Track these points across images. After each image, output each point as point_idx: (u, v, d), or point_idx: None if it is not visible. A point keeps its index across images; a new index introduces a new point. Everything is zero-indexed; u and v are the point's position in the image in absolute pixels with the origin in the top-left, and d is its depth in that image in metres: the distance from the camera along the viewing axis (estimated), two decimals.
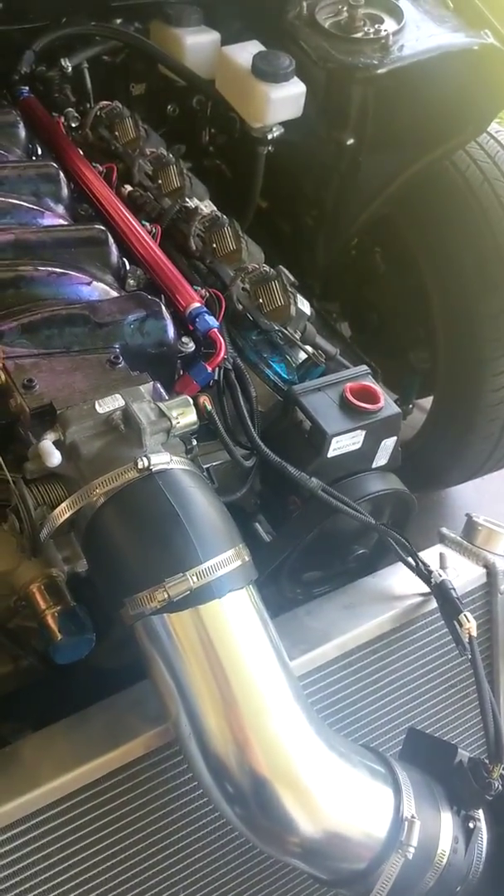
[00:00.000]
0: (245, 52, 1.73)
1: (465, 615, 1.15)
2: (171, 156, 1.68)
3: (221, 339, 1.28)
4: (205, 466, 1.22)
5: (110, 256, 1.34)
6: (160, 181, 1.64)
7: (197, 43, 1.86)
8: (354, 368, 1.33)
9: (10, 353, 1.13)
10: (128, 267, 1.37)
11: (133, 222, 1.46)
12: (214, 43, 1.86)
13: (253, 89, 1.71)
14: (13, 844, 1.01)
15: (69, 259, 1.29)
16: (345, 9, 1.77)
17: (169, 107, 1.98)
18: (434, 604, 1.23)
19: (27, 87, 1.77)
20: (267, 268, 1.45)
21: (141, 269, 1.38)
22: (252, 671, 0.97)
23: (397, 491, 1.32)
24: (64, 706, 1.12)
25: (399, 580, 1.28)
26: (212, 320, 1.30)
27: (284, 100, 1.72)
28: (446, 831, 1.03)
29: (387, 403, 1.27)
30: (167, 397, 1.10)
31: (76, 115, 1.77)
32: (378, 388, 1.29)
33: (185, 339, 1.28)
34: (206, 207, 1.60)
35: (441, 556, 1.28)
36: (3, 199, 1.35)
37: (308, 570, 1.36)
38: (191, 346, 1.28)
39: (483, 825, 1.06)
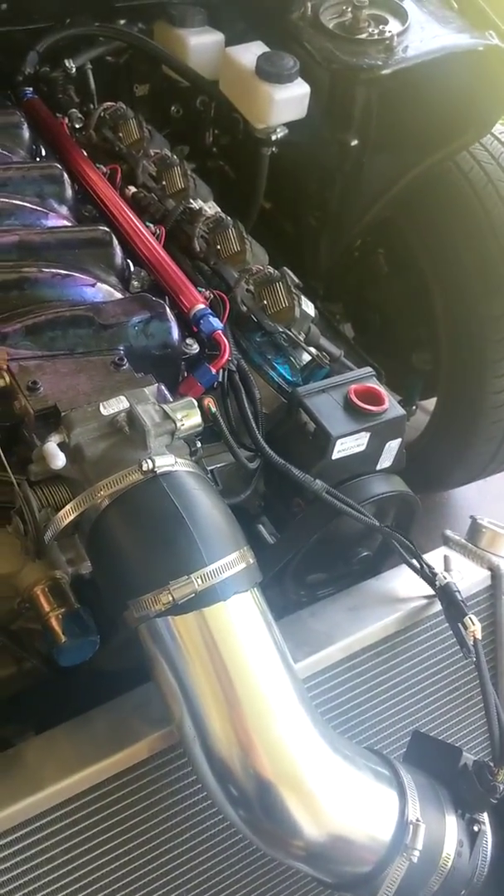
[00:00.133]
0: (249, 53, 1.72)
1: (469, 618, 1.15)
2: (174, 157, 1.68)
3: (226, 340, 1.28)
4: (209, 468, 1.22)
5: (114, 258, 1.34)
6: (164, 182, 1.64)
7: (201, 44, 1.86)
8: (359, 370, 1.33)
9: (15, 354, 1.13)
10: (132, 268, 1.37)
11: (137, 224, 1.46)
12: (218, 44, 1.86)
13: (257, 90, 1.70)
14: (16, 847, 1.01)
15: (73, 260, 1.29)
16: (349, 10, 1.77)
17: (173, 108, 1.98)
18: (438, 606, 1.23)
19: (31, 88, 1.77)
20: (271, 269, 1.45)
21: (145, 271, 1.38)
22: (256, 674, 0.97)
23: (401, 493, 1.32)
24: (67, 709, 1.12)
25: (403, 582, 1.28)
26: (216, 322, 1.30)
27: (288, 101, 1.71)
28: (451, 835, 1.02)
29: (391, 405, 1.26)
30: (171, 399, 1.10)
31: (80, 115, 1.77)
32: (382, 389, 1.28)
33: (189, 341, 1.27)
34: (210, 209, 1.60)
35: (445, 558, 1.28)
36: (7, 200, 1.35)
37: (312, 572, 1.35)
38: (195, 348, 1.27)
39: (488, 828, 1.06)
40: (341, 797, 0.98)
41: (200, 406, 1.10)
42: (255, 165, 1.84)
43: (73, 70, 1.85)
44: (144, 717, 1.08)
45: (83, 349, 1.18)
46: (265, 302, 1.42)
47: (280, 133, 1.77)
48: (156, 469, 0.99)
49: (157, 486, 0.99)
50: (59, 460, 1.01)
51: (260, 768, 0.95)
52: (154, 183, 1.65)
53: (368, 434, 1.24)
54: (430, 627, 1.27)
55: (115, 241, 1.35)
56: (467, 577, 1.29)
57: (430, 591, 1.22)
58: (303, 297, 1.43)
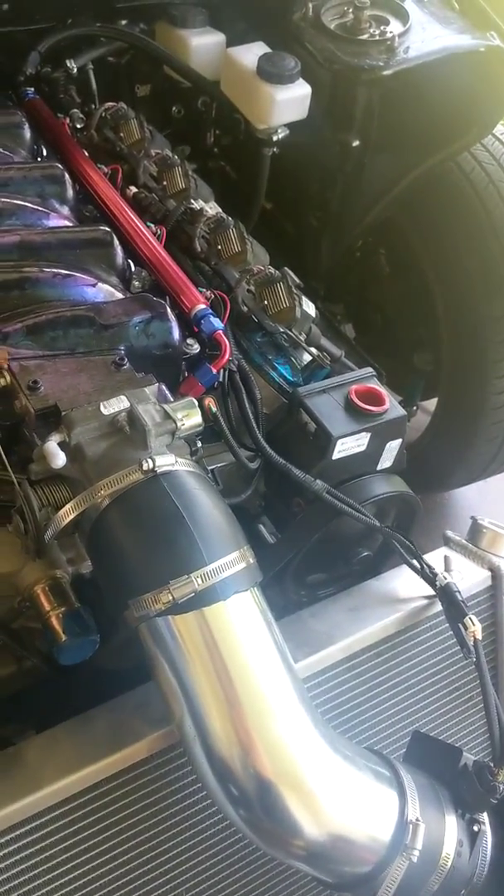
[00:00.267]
0: (250, 54, 1.72)
1: (469, 618, 1.15)
2: (175, 157, 1.68)
3: (226, 340, 1.28)
4: (209, 468, 1.22)
5: (115, 258, 1.34)
6: (165, 182, 1.64)
7: (202, 44, 1.86)
8: (359, 370, 1.33)
9: (16, 354, 1.13)
10: (133, 268, 1.37)
11: (138, 224, 1.46)
12: (220, 44, 1.86)
13: (258, 91, 1.70)
14: (16, 846, 1.01)
15: (74, 260, 1.29)
16: (350, 10, 1.77)
17: (174, 108, 1.98)
18: (439, 607, 1.23)
19: (32, 89, 1.77)
20: (272, 270, 1.45)
21: (146, 271, 1.38)
22: (256, 673, 0.97)
23: (402, 493, 1.32)
24: (67, 708, 1.12)
25: (404, 583, 1.29)
26: (217, 322, 1.30)
27: (290, 101, 1.71)
28: (451, 835, 1.02)
29: (392, 406, 1.27)
30: (172, 399, 1.10)
31: (81, 116, 1.76)
32: (383, 390, 1.28)
33: (189, 341, 1.27)
34: (211, 209, 1.60)
35: (446, 558, 1.28)
36: (8, 200, 1.35)
37: (312, 572, 1.35)
38: (196, 348, 1.27)
39: (488, 829, 1.06)
40: (341, 797, 0.98)
41: (201, 406, 1.11)
42: (256, 166, 1.84)
43: (75, 70, 1.84)
44: (145, 716, 1.08)
45: (84, 349, 1.18)
46: (266, 302, 1.42)
47: (281, 133, 1.77)
48: (156, 468, 0.99)
49: (157, 486, 0.99)
50: (59, 459, 1.01)
51: (260, 768, 0.95)
52: (155, 183, 1.65)
53: (369, 434, 1.24)
54: (430, 628, 1.27)
55: (116, 242, 1.35)
56: (468, 578, 1.29)
57: (431, 592, 1.22)
58: (304, 298, 1.43)
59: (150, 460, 0.99)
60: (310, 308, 1.43)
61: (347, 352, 1.51)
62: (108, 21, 1.88)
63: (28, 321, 1.16)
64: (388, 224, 2.06)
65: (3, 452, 1.05)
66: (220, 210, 1.60)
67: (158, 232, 1.48)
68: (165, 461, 1.00)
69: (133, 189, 1.61)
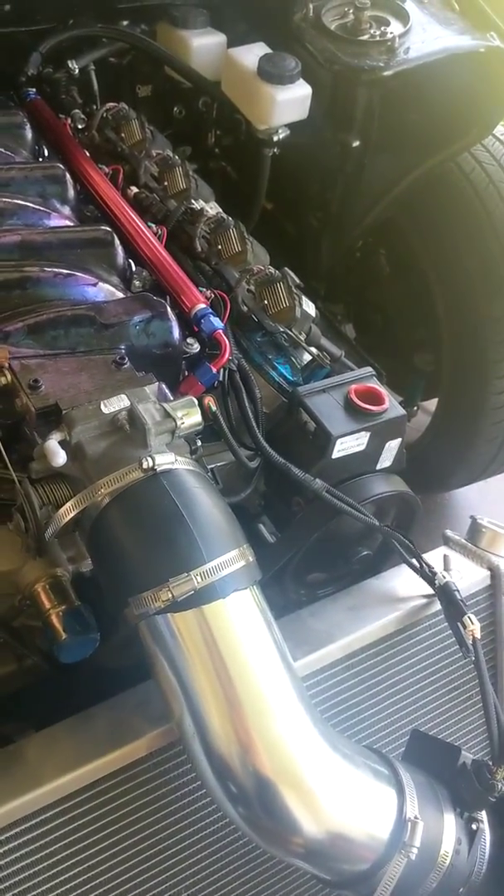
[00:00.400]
0: (251, 54, 1.73)
1: (468, 617, 1.15)
2: (176, 157, 1.68)
3: (226, 340, 1.28)
4: (209, 467, 1.23)
5: (116, 258, 1.34)
6: (166, 183, 1.64)
7: (203, 45, 1.86)
8: (359, 370, 1.33)
9: (16, 353, 1.14)
10: (133, 268, 1.37)
11: (139, 224, 1.46)
12: (220, 45, 1.86)
13: (259, 91, 1.71)
14: (15, 843, 1.02)
15: (75, 260, 1.29)
16: (351, 11, 1.77)
17: (175, 108, 1.99)
18: (438, 606, 1.23)
19: (34, 89, 1.78)
20: (272, 269, 1.46)
21: (146, 271, 1.38)
22: (256, 671, 0.98)
23: (401, 493, 1.32)
24: (67, 706, 1.13)
25: (403, 582, 1.29)
26: (217, 322, 1.30)
27: (290, 102, 1.72)
28: (449, 833, 1.03)
29: (391, 405, 1.27)
30: (172, 398, 1.10)
31: (83, 116, 1.77)
32: (383, 389, 1.29)
33: (190, 341, 1.28)
34: (212, 209, 1.60)
35: (445, 558, 1.28)
36: (9, 200, 1.35)
37: (312, 571, 1.36)
38: (196, 348, 1.28)
39: (486, 827, 1.06)
40: (340, 795, 0.99)
41: (201, 405, 1.11)
42: (256, 166, 1.84)
43: (76, 71, 1.85)
44: (144, 714, 1.08)
45: (85, 348, 1.18)
46: (266, 302, 1.42)
47: (282, 134, 1.77)
48: (156, 467, 0.99)
49: (157, 484, 0.99)
50: (60, 458, 1.01)
51: (259, 766, 0.95)
52: (156, 183, 1.65)
53: (368, 434, 1.24)
54: (429, 627, 1.27)
55: (117, 241, 1.35)
56: (467, 577, 1.29)
57: (430, 591, 1.23)
58: (304, 298, 1.44)
59: (149, 459, 0.99)
60: (310, 308, 1.44)
61: (347, 352, 1.51)
62: (110, 22, 1.88)
63: (29, 320, 1.17)
64: (389, 224, 2.06)
65: (3, 451, 1.06)
66: (220, 210, 1.60)
67: (159, 232, 1.48)
68: (165, 460, 1.01)
69: (134, 189, 1.61)
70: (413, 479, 1.36)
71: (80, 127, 1.75)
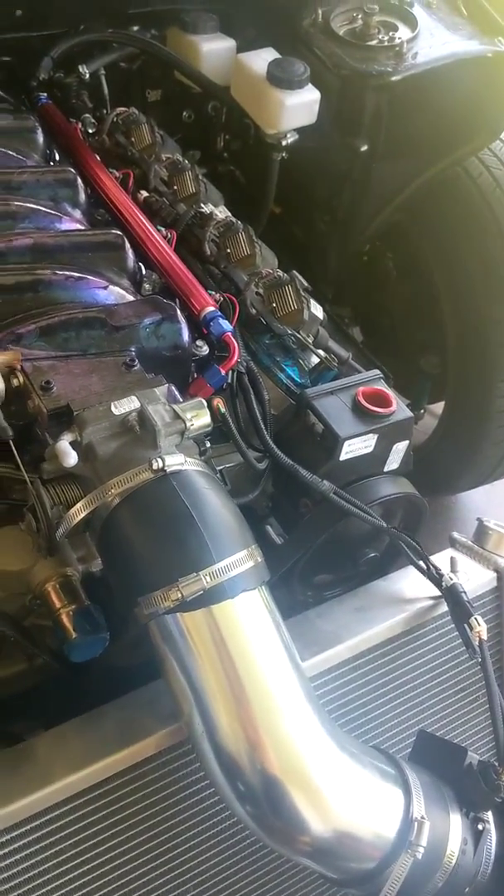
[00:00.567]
0: (260, 59, 1.74)
1: (475, 618, 1.16)
2: (186, 162, 1.69)
3: (235, 342, 1.29)
4: (218, 468, 1.23)
5: (126, 261, 1.35)
6: (175, 187, 1.66)
7: (213, 50, 1.87)
8: (367, 372, 1.34)
9: (29, 355, 1.14)
10: (143, 271, 1.38)
11: (149, 227, 1.47)
12: (230, 50, 1.87)
13: (268, 96, 1.72)
14: (25, 841, 1.02)
15: (86, 263, 1.30)
16: (359, 16, 1.78)
17: (184, 113, 2.00)
18: (444, 607, 1.23)
19: (45, 94, 1.79)
20: (280, 273, 1.47)
21: (156, 274, 1.39)
22: (264, 671, 0.98)
23: (409, 495, 1.33)
24: (77, 705, 1.13)
25: (410, 583, 1.29)
26: (226, 324, 1.31)
27: (299, 106, 1.73)
28: (455, 833, 1.03)
29: (399, 407, 1.27)
30: (181, 400, 1.11)
31: (93, 121, 1.78)
32: (390, 391, 1.29)
33: (199, 343, 1.29)
34: (221, 213, 1.61)
35: (452, 559, 1.29)
36: (21, 203, 1.36)
37: (319, 572, 1.36)
38: (205, 350, 1.29)
39: (492, 827, 1.07)
40: (347, 794, 0.99)
41: (210, 407, 1.11)
42: (265, 170, 1.85)
43: (87, 76, 1.86)
44: (153, 713, 1.09)
45: (96, 350, 1.19)
46: (274, 305, 1.43)
47: (290, 138, 1.78)
48: (166, 468, 1.00)
49: (166, 485, 1.00)
50: (71, 458, 1.02)
51: (267, 765, 0.96)
52: (166, 187, 1.66)
53: (376, 436, 1.25)
54: (436, 628, 1.28)
55: (128, 245, 1.36)
56: (473, 579, 1.30)
57: (437, 592, 1.23)
58: (312, 300, 1.45)
59: (159, 460, 1.00)
60: (318, 311, 1.44)
61: (355, 354, 1.52)
62: (120, 27, 1.89)
63: (41, 323, 1.18)
64: (396, 228, 2.07)
65: (16, 451, 1.07)
66: (229, 214, 1.61)
67: (169, 235, 1.49)
68: (175, 461, 1.02)
69: (144, 193, 1.62)
70: (420, 481, 1.36)
71: (90, 131, 1.77)
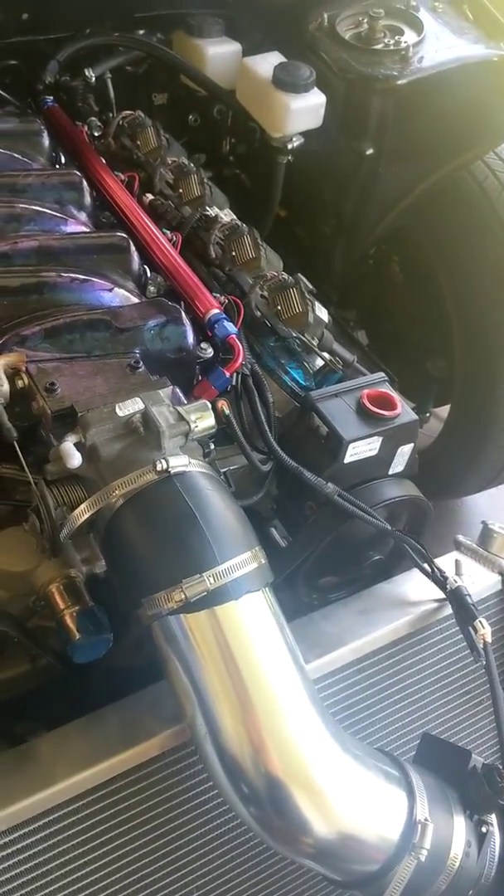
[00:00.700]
0: (266, 63, 1.74)
1: (479, 621, 1.16)
2: (191, 165, 1.70)
3: (240, 344, 1.29)
4: (222, 470, 1.24)
5: (131, 263, 1.36)
6: (181, 190, 1.66)
7: (218, 54, 1.88)
8: (371, 375, 1.34)
9: (33, 356, 1.15)
10: (148, 274, 1.39)
11: (154, 230, 1.48)
12: (236, 54, 1.88)
13: (273, 99, 1.72)
14: (28, 841, 1.03)
15: (91, 265, 1.31)
16: (365, 20, 1.78)
17: (190, 116, 2.00)
18: (449, 610, 1.23)
19: (51, 97, 1.80)
20: (285, 275, 1.47)
21: (161, 276, 1.39)
22: (268, 672, 0.98)
23: (413, 497, 1.32)
24: (80, 706, 1.14)
25: (414, 586, 1.29)
26: (230, 326, 1.31)
27: (304, 110, 1.73)
28: (459, 835, 1.03)
29: (404, 410, 1.27)
30: (186, 402, 1.11)
31: (99, 124, 1.79)
32: (395, 394, 1.29)
33: (203, 345, 1.29)
34: (226, 216, 1.61)
35: (457, 562, 1.29)
36: (27, 206, 1.37)
37: (324, 575, 1.36)
38: (209, 352, 1.29)
39: (496, 830, 1.07)
40: (351, 796, 0.99)
41: (214, 408, 1.12)
42: (270, 174, 1.85)
43: (93, 79, 1.87)
44: (156, 714, 1.09)
45: (100, 352, 1.20)
46: (279, 307, 1.44)
47: (296, 142, 1.78)
48: (170, 469, 1.00)
49: (170, 486, 1.00)
50: (75, 460, 1.03)
51: (271, 766, 0.96)
52: (171, 190, 1.66)
53: (380, 438, 1.25)
54: (440, 631, 1.28)
55: (133, 247, 1.37)
56: (478, 581, 1.30)
57: (441, 595, 1.23)
58: (316, 303, 1.45)
59: (163, 461, 1.00)
60: (322, 313, 1.44)
61: (360, 357, 1.52)
62: (126, 31, 1.90)
63: (46, 324, 1.18)
64: (402, 232, 2.07)
65: (20, 452, 1.07)
66: (234, 217, 1.61)
67: (174, 238, 1.50)
68: (179, 462, 1.02)
69: (149, 196, 1.63)
70: (425, 485, 1.36)
71: (96, 134, 1.77)
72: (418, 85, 1.71)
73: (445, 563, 1.28)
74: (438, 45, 1.76)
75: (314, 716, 1.00)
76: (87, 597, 1.10)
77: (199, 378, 1.30)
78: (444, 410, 2.24)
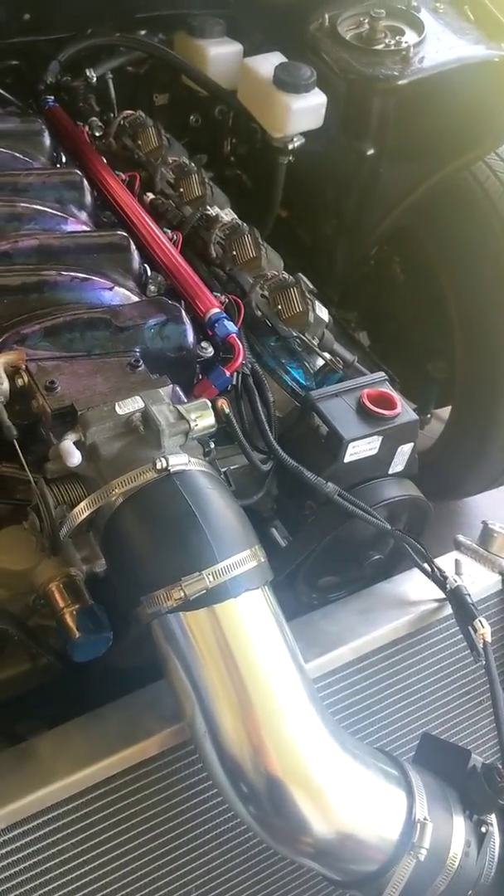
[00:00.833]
0: (267, 63, 1.74)
1: (479, 621, 1.16)
2: (192, 165, 1.70)
3: (240, 344, 1.29)
4: (222, 469, 1.24)
5: (132, 262, 1.36)
6: (182, 190, 1.66)
7: (220, 54, 1.88)
8: (372, 375, 1.34)
9: (33, 355, 1.15)
10: (149, 273, 1.39)
11: (155, 229, 1.48)
12: (237, 54, 1.88)
13: (274, 100, 1.72)
14: (27, 839, 1.02)
15: (92, 264, 1.31)
16: (366, 21, 1.78)
17: (191, 117, 2.00)
18: (449, 609, 1.23)
19: (52, 97, 1.80)
20: (286, 275, 1.47)
21: (162, 276, 1.39)
22: (267, 671, 0.98)
23: (413, 497, 1.32)
24: (80, 705, 1.13)
25: (414, 586, 1.29)
26: (231, 326, 1.31)
27: (305, 110, 1.73)
28: (458, 835, 1.03)
29: (404, 409, 1.27)
30: (186, 401, 1.11)
31: (100, 124, 1.79)
32: (395, 394, 1.29)
33: (204, 344, 1.29)
34: (227, 215, 1.61)
35: (457, 562, 1.29)
36: (28, 205, 1.37)
37: (324, 575, 1.36)
38: (210, 351, 1.29)
39: (496, 830, 1.06)
40: (350, 795, 0.99)
41: (214, 408, 1.12)
42: (271, 174, 1.85)
43: (94, 79, 1.87)
44: (156, 713, 1.09)
45: (100, 351, 1.20)
46: (279, 307, 1.43)
47: (297, 142, 1.79)
48: (169, 468, 1.00)
49: (170, 485, 1.00)
50: (75, 458, 1.03)
51: (270, 765, 0.96)
52: (172, 190, 1.67)
53: (380, 438, 1.25)
54: (440, 630, 1.28)
55: (133, 246, 1.37)
56: (478, 581, 1.29)
57: (441, 595, 1.23)
58: (317, 303, 1.45)
59: (163, 460, 1.00)
60: (323, 313, 1.44)
61: (360, 357, 1.52)
62: (128, 31, 1.90)
63: (46, 323, 1.18)
64: (403, 232, 2.07)
65: (20, 451, 1.07)
66: (235, 216, 1.61)
67: (175, 237, 1.50)
68: (179, 461, 1.02)
69: (150, 196, 1.63)
70: (426, 486, 1.36)
71: (97, 134, 1.77)
72: (419, 85, 1.71)
73: (445, 562, 1.28)
74: (439, 45, 1.76)
75: (313, 715, 1.00)
76: (86, 595, 1.10)
77: (200, 377, 1.30)
78: (445, 412, 2.24)
